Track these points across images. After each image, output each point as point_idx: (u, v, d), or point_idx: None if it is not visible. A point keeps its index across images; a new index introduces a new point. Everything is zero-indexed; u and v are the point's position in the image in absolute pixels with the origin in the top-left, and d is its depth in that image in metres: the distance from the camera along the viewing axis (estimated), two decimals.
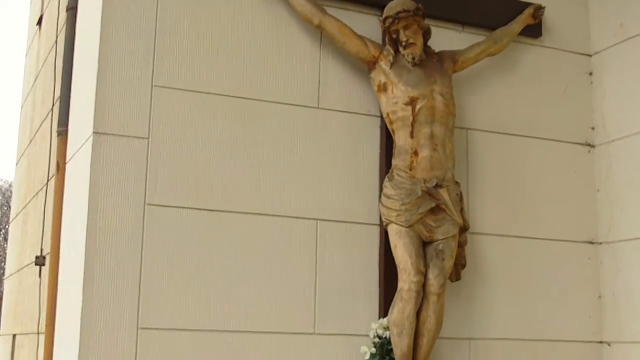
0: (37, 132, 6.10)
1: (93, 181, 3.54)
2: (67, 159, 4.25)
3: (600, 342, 4.30)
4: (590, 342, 4.29)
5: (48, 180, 5.07)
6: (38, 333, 4.92)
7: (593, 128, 4.50)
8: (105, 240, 3.51)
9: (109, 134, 3.58)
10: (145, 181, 3.60)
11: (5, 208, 27.67)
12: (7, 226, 20.66)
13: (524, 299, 4.17)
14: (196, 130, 3.70)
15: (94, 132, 3.56)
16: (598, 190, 4.43)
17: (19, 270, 6.51)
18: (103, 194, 3.55)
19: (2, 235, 27.39)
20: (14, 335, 6.48)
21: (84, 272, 3.48)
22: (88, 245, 3.50)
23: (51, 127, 4.95)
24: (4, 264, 8.58)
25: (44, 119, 5.58)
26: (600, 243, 4.38)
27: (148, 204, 3.59)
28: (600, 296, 4.34)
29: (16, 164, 7.69)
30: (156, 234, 3.57)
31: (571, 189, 4.40)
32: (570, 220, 4.36)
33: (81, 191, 3.68)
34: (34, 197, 5.93)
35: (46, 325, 4.43)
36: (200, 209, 3.65)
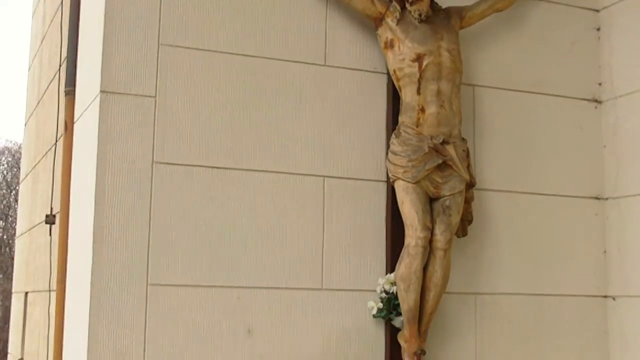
0: (44, 93, 6.11)
1: (101, 140, 3.56)
2: (75, 119, 4.27)
3: (605, 296, 4.34)
4: (595, 296, 4.32)
5: (57, 141, 5.10)
6: (49, 290, 4.98)
7: (600, 84, 4.49)
8: (114, 198, 3.54)
9: (116, 93, 3.59)
10: (153, 140, 3.62)
11: (16, 169, 27.77)
12: (17, 187, 20.75)
13: (529, 254, 4.20)
14: (203, 88, 3.71)
15: (101, 92, 3.58)
16: (604, 146, 4.44)
17: (29, 230, 6.57)
18: (111, 153, 3.57)
19: (13, 196, 27.52)
20: (26, 293, 6.57)
21: (94, 230, 3.52)
22: (97, 204, 3.53)
23: (59, 88, 4.96)
24: (16, 224, 8.66)
25: (52, 80, 5.59)
26: (607, 199, 4.39)
27: (156, 162, 3.61)
28: (605, 251, 4.36)
29: (25, 126, 7.72)
30: (164, 192, 3.60)
31: (578, 145, 4.40)
32: (576, 176, 4.37)
33: (89, 150, 3.70)
34: (43, 157, 5.96)
35: (57, 283, 4.49)
36: (208, 167, 3.67)
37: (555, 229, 4.28)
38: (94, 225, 3.53)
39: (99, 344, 3.45)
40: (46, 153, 5.74)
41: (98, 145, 3.56)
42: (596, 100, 4.48)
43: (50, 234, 5.13)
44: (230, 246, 3.66)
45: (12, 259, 8.66)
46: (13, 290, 7.99)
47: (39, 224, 5.81)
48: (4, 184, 30.18)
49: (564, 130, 4.38)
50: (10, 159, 29.50)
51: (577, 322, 4.26)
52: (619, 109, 4.39)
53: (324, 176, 3.85)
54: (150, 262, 3.55)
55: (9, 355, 8.03)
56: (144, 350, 3.49)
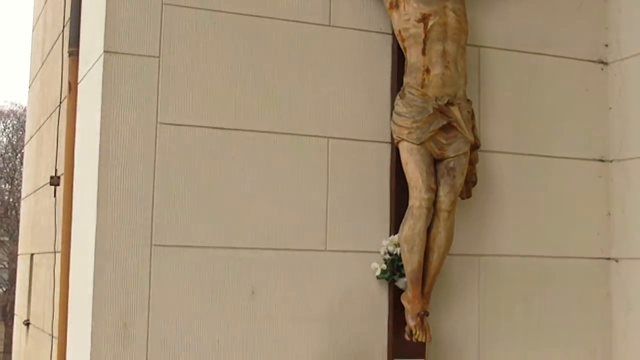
0: (49, 54, 6.09)
1: (105, 100, 3.55)
2: (79, 79, 4.26)
3: (609, 258, 4.34)
4: (599, 258, 4.33)
5: (61, 102, 5.09)
6: (54, 252, 5.01)
7: (606, 45, 4.46)
8: (117, 159, 3.54)
9: (119, 53, 3.57)
10: (156, 100, 3.60)
11: (21, 132, 27.79)
12: (23, 150, 20.77)
13: (533, 216, 4.20)
14: (207, 48, 3.69)
15: (104, 52, 3.56)
16: (610, 108, 4.41)
17: (35, 192, 6.59)
18: (115, 113, 3.56)
19: (19, 159, 27.57)
20: (32, 255, 6.60)
21: (98, 192, 3.52)
22: (101, 164, 3.53)
23: (62, 49, 4.94)
24: (21, 187, 8.67)
25: (55, 41, 5.57)
26: (611, 161, 4.38)
27: (160, 123, 3.60)
28: (609, 213, 4.36)
29: (29, 88, 7.71)
30: (168, 153, 3.60)
31: (583, 107, 4.38)
32: (581, 138, 4.35)
33: (93, 111, 3.70)
34: (47, 119, 5.96)
35: (62, 244, 4.50)
36: (211, 128, 3.66)
37: (560, 191, 4.27)
38: (97, 186, 3.53)
39: (103, 304, 3.47)
40: (50, 114, 5.74)
41: (102, 106, 3.55)
42: (602, 62, 4.45)
43: (54, 196, 5.14)
44: (234, 207, 3.66)
45: (19, 221, 8.69)
46: (19, 252, 8.03)
47: (43, 185, 5.83)
48: (10, 147, 30.22)
49: (569, 92, 4.36)
50: (15, 122, 29.51)
51: (580, 284, 4.27)
52: (625, 71, 4.36)
53: (328, 137, 3.84)
54: (154, 223, 3.56)
55: (15, 317, 8.09)
56: (149, 311, 3.51)
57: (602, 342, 4.28)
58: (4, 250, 30.13)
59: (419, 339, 3.69)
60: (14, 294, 8.33)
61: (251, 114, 3.73)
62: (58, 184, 5.07)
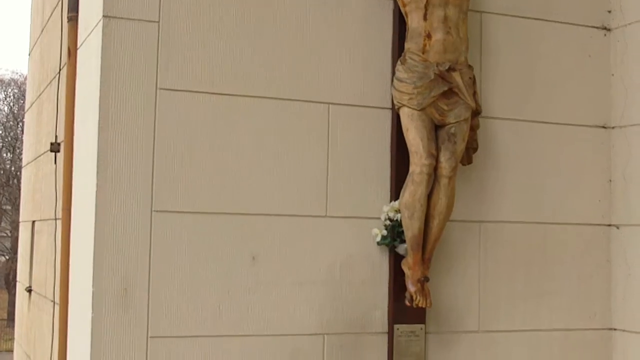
0: (48, 20, 6.07)
1: (104, 66, 3.53)
2: (78, 45, 4.24)
3: (609, 225, 4.34)
4: (599, 225, 4.33)
5: (60, 69, 5.07)
6: (55, 219, 5.02)
7: (610, 11, 4.42)
8: (117, 125, 3.52)
9: (118, 18, 3.55)
10: (156, 65, 3.58)
11: (22, 101, 27.74)
12: (24, 119, 20.77)
13: (534, 182, 4.19)
14: (207, 13, 3.66)
15: (103, 16, 3.53)
16: (613, 75, 4.39)
17: (35, 159, 6.59)
18: (114, 79, 3.54)
19: (20, 128, 27.55)
20: (33, 222, 6.62)
21: (97, 158, 3.51)
22: (101, 131, 3.51)
23: (62, 14, 4.92)
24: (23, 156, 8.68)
25: (55, 7, 5.54)
26: (613, 127, 4.36)
27: (160, 88, 3.58)
28: (610, 180, 4.35)
29: (29, 55, 7.68)
30: (168, 119, 3.58)
31: (585, 73, 4.35)
32: (583, 104, 4.33)
33: (93, 76, 3.68)
34: (47, 85, 5.95)
35: (62, 210, 4.51)
36: (212, 93, 3.65)
37: (561, 158, 4.26)
38: (97, 152, 3.52)
39: (104, 270, 3.47)
40: (50, 81, 5.72)
41: (101, 71, 3.53)
42: (605, 28, 4.42)
43: (55, 162, 5.14)
44: (234, 173, 3.66)
45: (20, 190, 8.70)
46: (20, 220, 8.05)
47: (44, 152, 5.83)
48: (11, 115, 30.20)
49: (572, 58, 4.33)
50: (16, 91, 29.46)
51: (581, 250, 4.28)
52: (628, 37, 4.33)
53: (329, 103, 3.82)
54: (155, 189, 3.56)
55: (17, 284, 8.13)
56: (149, 276, 3.52)
57: (601, 307, 4.29)
58: (7, 219, 30.23)
59: (419, 305, 3.70)
60: (17, 262, 8.36)
61: (251, 79, 3.71)
62: (58, 151, 5.07)
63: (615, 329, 4.28)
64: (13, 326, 8.07)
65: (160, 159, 3.57)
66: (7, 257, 30.63)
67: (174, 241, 3.57)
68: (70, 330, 4.18)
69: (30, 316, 6.61)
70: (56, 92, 5.20)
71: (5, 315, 28.18)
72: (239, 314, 3.63)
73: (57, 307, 4.66)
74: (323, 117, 3.81)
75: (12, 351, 8.59)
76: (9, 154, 30.78)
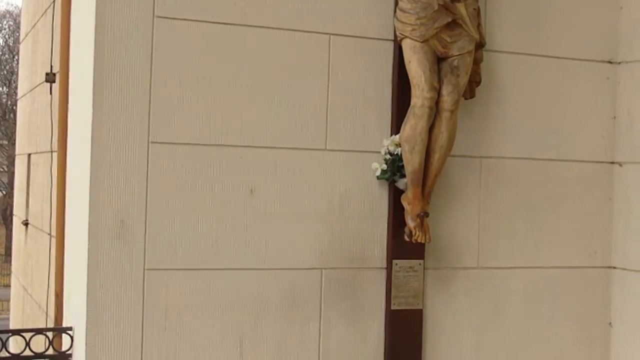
0: None
1: None
2: None
3: (612, 162, 4.29)
4: (602, 162, 4.27)
5: None
6: (51, 151, 4.96)
7: None
8: (113, 53, 3.44)
9: None
10: None
11: (18, 34, 27.46)
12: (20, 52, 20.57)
13: (538, 118, 4.13)
14: None
15: None
16: (621, 8, 4.28)
17: (31, 90, 6.51)
18: (110, 8, 3.44)
19: (16, 61, 27.34)
20: (29, 155, 6.57)
21: (93, 88, 3.44)
22: (96, 60, 3.43)
23: None
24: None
25: None
26: (619, 63, 4.28)
27: (157, 17, 3.49)
28: (615, 117, 4.28)
29: None
30: (166, 48, 3.50)
31: (593, 7, 4.25)
32: (589, 38, 4.24)
33: (88, 4, 3.58)
34: (42, 15, 5.84)
35: (58, 142, 4.46)
36: (210, 22, 3.55)
37: (565, 93, 4.19)
38: (93, 82, 3.44)
39: (100, 202, 3.43)
40: (45, 10, 5.61)
41: None
42: None
43: (50, 93, 5.07)
44: (232, 104, 3.59)
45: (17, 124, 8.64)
46: (16, 153, 8.01)
47: (39, 84, 5.75)
48: (6, 48, 29.94)
49: None
50: (11, 23, 29.16)
51: (583, 187, 4.23)
52: None
53: (330, 34, 3.73)
54: (151, 120, 3.49)
55: (14, 217, 8.11)
56: (146, 209, 3.48)
57: (602, 245, 4.27)
58: (3, 154, 30.20)
59: (419, 240, 3.67)
60: (14, 197, 8.34)
61: (251, 8, 3.61)
62: (54, 81, 5.00)
63: (615, 267, 4.26)
64: (11, 261, 8.08)
65: (158, 90, 3.49)
66: (4, 193, 30.69)
67: (171, 173, 3.51)
68: (66, 262, 4.16)
69: (27, 249, 6.60)
70: (51, 22, 5.10)
71: (3, 251, 28.36)
72: (237, 247, 3.60)
73: (53, 240, 4.64)
74: (324, 48, 3.73)
75: (9, 286, 8.63)
76: (4, 87, 30.61)
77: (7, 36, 29.77)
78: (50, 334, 3.71)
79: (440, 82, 3.63)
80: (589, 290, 4.25)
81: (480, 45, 3.76)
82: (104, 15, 3.43)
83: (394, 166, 3.72)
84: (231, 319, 3.59)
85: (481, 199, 4.02)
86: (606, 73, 4.27)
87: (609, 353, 4.26)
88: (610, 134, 4.28)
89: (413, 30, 3.60)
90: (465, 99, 3.81)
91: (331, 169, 3.74)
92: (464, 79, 3.67)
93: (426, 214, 3.68)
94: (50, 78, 5.04)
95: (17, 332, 3.77)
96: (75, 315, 3.71)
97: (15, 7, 28.54)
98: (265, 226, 3.64)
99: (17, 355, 3.62)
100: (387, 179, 3.75)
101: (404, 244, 3.75)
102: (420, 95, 3.59)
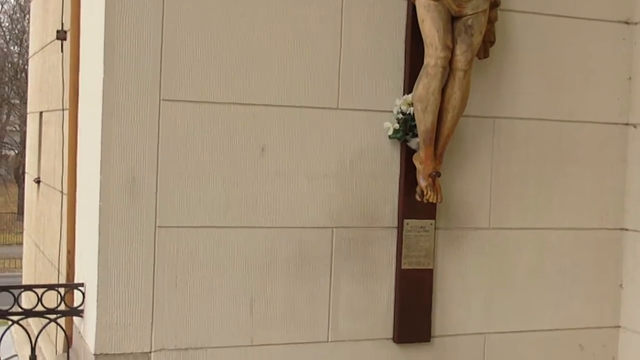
0: None
1: None
2: None
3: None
4: (616, 123, 4.24)
5: None
6: (63, 109, 4.95)
7: None
8: (125, 10, 3.42)
9: None
10: None
11: None
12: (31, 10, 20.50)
13: (552, 78, 4.09)
14: None
15: None
16: None
17: (42, 48, 6.49)
18: None
19: (27, 20, 27.25)
20: (41, 113, 6.56)
21: (104, 45, 3.43)
22: (107, 17, 3.42)
23: None
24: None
25: None
26: (636, 23, 4.22)
27: None
28: (630, 78, 4.24)
29: None
30: (177, 6, 3.47)
31: None
32: None
33: None
34: None
35: (70, 100, 4.45)
36: None
37: (580, 54, 4.14)
38: (104, 40, 3.43)
39: (111, 159, 3.43)
40: None
41: None
42: None
43: (62, 51, 5.04)
44: (244, 62, 3.57)
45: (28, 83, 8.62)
46: (28, 111, 8.00)
47: (51, 42, 5.72)
48: (18, 7, 29.84)
49: None
50: None
51: (596, 149, 4.21)
52: None
53: None
54: (163, 77, 3.48)
55: (26, 175, 8.13)
56: (157, 166, 3.47)
57: (614, 207, 4.25)
58: (15, 113, 30.24)
59: (430, 200, 3.67)
60: (26, 155, 8.35)
61: None
62: (65, 39, 4.97)
63: (627, 229, 4.25)
64: (24, 219, 8.12)
65: (169, 47, 3.48)
66: (16, 152, 30.77)
67: (183, 131, 3.51)
68: (78, 219, 4.17)
69: (39, 207, 6.62)
70: None
71: (15, 209, 28.51)
72: (247, 205, 3.60)
73: (65, 197, 4.64)
74: (337, 6, 3.69)
75: (22, 244, 8.68)
76: (16, 47, 30.55)
77: None
78: (62, 290, 3.74)
79: (453, 41, 3.60)
80: (600, 252, 4.25)
81: (495, 4, 3.72)
82: None
83: (407, 126, 3.70)
84: (241, 276, 3.61)
85: (493, 160, 4.00)
86: (622, 34, 4.22)
87: (620, 314, 4.27)
88: (625, 95, 4.24)
89: None
90: (479, 58, 3.78)
91: (343, 128, 3.72)
92: (477, 39, 3.63)
93: (438, 174, 3.66)
94: (61, 35, 5.01)
95: (29, 287, 3.80)
96: (86, 271, 3.72)
97: None
98: (276, 185, 3.63)
99: (30, 310, 3.65)
100: (399, 139, 3.73)
101: (415, 204, 3.75)
102: (433, 55, 3.56)
